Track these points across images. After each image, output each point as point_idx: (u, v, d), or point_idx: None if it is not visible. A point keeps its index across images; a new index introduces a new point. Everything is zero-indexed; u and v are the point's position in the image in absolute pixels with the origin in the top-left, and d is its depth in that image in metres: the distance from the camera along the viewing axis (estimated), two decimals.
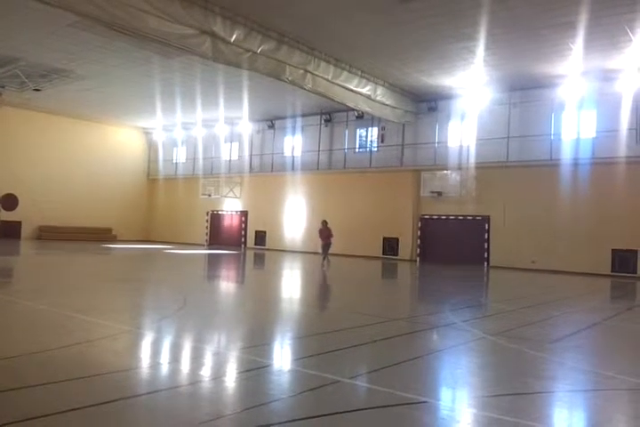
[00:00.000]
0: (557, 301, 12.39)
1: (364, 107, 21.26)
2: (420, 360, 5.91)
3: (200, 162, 33.45)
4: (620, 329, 8.81)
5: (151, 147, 36.69)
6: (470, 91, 22.27)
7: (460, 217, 23.41)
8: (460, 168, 23.05)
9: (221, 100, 25.60)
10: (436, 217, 24.11)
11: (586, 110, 20.81)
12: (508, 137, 22.16)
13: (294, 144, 29.57)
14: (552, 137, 21.26)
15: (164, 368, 5.26)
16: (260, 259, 24.62)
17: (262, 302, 10.54)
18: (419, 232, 24.38)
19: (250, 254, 26.73)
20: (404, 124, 24.82)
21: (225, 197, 31.58)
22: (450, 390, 5.01)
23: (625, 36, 15.57)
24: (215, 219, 33.20)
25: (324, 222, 19.48)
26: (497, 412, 4.21)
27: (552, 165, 20.85)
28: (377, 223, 25.42)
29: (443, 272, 19.80)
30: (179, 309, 8.71)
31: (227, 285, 14.23)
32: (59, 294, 9.91)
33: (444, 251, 23.64)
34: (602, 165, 19.83)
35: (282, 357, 6.03)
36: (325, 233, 19.36)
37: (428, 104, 24.28)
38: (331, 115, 27.58)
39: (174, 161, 35.55)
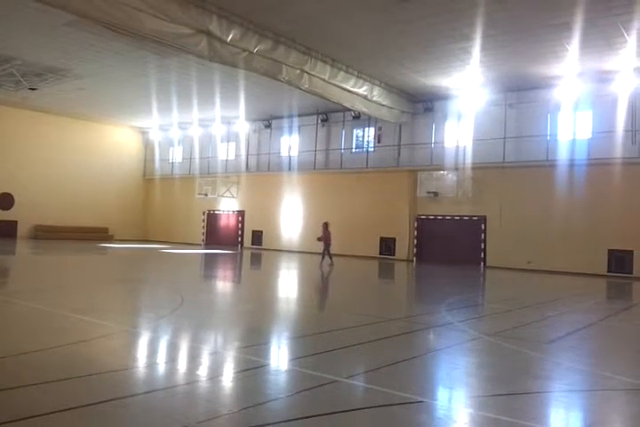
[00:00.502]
0: (553, 301, 12.42)
1: (361, 107, 21.27)
2: (416, 360, 5.92)
3: (197, 161, 33.42)
4: (616, 329, 8.84)
5: (147, 146, 36.63)
6: (467, 91, 22.32)
7: (457, 217, 23.45)
8: (456, 168, 23.09)
9: (218, 100, 25.60)
10: (432, 217, 24.15)
11: (582, 111, 20.88)
12: (505, 138, 22.21)
13: (291, 144, 29.57)
14: (548, 138, 21.32)
15: (161, 368, 5.25)
16: (256, 259, 24.61)
17: (259, 301, 10.54)
18: (415, 232, 24.42)
19: (247, 254, 26.72)
20: (400, 125, 24.84)
21: (222, 196, 31.56)
22: (446, 390, 5.02)
23: (621, 37, 15.63)
24: (212, 218, 33.18)
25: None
26: (494, 412, 4.22)
27: (548, 165, 20.89)
28: (374, 223, 25.43)
29: (439, 272, 19.83)
30: (175, 308, 8.70)
31: (223, 284, 14.22)
32: (55, 293, 9.89)
33: (440, 251, 23.67)
34: (598, 165, 19.89)
35: (279, 356, 6.03)
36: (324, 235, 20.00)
37: (424, 104, 24.31)
38: (327, 115, 27.59)
39: (171, 160, 35.52)
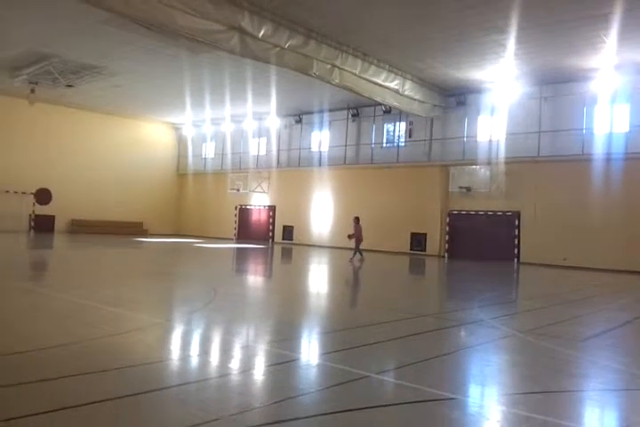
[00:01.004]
0: (589, 298, 12.19)
1: (392, 101, 21.14)
2: (448, 357, 5.88)
3: (228, 157, 33.74)
4: None
5: (181, 142, 37.11)
6: (500, 84, 21.98)
7: (490, 213, 23.15)
8: (489, 163, 22.79)
9: (249, 96, 25.74)
10: (464, 212, 23.90)
11: (619, 104, 20.38)
12: (539, 131, 21.82)
13: (321, 139, 29.58)
14: (584, 131, 20.87)
15: (194, 361, 5.33)
16: (287, 253, 24.73)
17: (290, 295, 10.60)
18: (447, 228, 24.21)
19: (277, 249, 26.87)
20: (432, 119, 24.61)
21: (253, 191, 31.78)
22: (479, 388, 4.98)
23: None
24: (243, 213, 33.45)
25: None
26: (526, 410, 4.17)
27: (584, 160, 20.46)
28: (404, 219, 25.29)
29: (471, 268, 19.63)
30: (209, 302, 8.81)
31: (255, 278, 14.34)
32: (91, 286, 10.11)
33: (472, 247, 23.42)
34: (635, 160, 19.41)
35: (310, 351, 6.06)
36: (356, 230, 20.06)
37: (456, 98, 24.02)
38: (358, 109, 27.49)
39: (203, 156, 35.93)
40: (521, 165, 22.21)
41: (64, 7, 15.61)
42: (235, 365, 5.28)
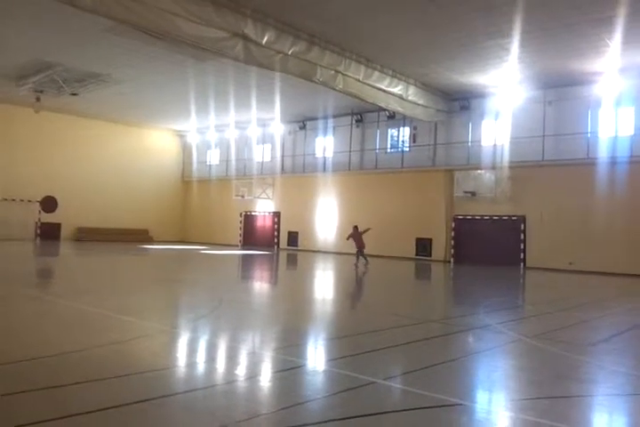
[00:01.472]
0: (596, 302, 12.13)
1: (396, 106, 21.16)
2: (455, 362, 5.86)
3: (233, 163, 33.82)
4: None
5: (185, 149, 37.23)
6: (504, 89, 21.96)
7: (495, 217, 23.09)
8: (494, 167, 22.75)
9: (254, 102, 25.81)
10: (469, 217, 23.84)
11: (623, 107, 20.33)
12: (544, 135, 21.78)
13: (326, 145, 29.61)
14: (589, 135, 20.82)
15: (201, 367, 5.33)
16: (292, 259, 24.72)
17: (296, 302, 10.59)
18: (452, 233, 24.15)
19: (283, 255, 26.86)
20: (436, 124, 24.61)
21: (258, 198, 31.81)
22: (486, 393, 4.96)
23: None
24: (248, 220, 33.48)
25: (355, 228, 20.15)
26: (534, 415, 4.15)
27: (589, 163, 20.39)
28: (409, 224, 25.25)
29: (477, 273, 19.57)
30: (214, 308, 8.81)
31: (261, 285, 14.34)
32: (97, 294, 10.13)
33: (478, 252, 23.34)
34: None
35: (316, 357, 6.05)
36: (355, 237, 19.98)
37: (460, 103, 24.02)
38: (362, 115, 27.53)
39: (208, 163, 36.01)
40: (526, 170, 22.16)
41: (68, 16, 15.66)
42: (241, 371, 5.27)
